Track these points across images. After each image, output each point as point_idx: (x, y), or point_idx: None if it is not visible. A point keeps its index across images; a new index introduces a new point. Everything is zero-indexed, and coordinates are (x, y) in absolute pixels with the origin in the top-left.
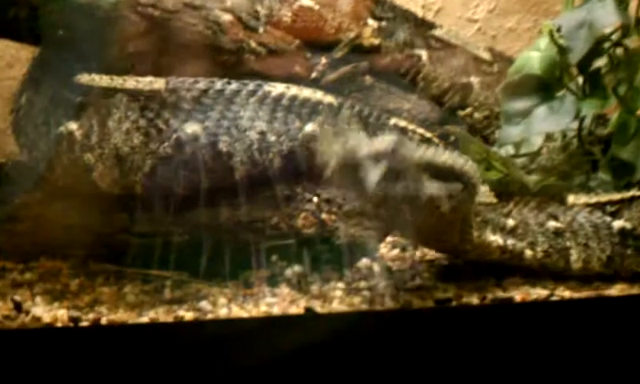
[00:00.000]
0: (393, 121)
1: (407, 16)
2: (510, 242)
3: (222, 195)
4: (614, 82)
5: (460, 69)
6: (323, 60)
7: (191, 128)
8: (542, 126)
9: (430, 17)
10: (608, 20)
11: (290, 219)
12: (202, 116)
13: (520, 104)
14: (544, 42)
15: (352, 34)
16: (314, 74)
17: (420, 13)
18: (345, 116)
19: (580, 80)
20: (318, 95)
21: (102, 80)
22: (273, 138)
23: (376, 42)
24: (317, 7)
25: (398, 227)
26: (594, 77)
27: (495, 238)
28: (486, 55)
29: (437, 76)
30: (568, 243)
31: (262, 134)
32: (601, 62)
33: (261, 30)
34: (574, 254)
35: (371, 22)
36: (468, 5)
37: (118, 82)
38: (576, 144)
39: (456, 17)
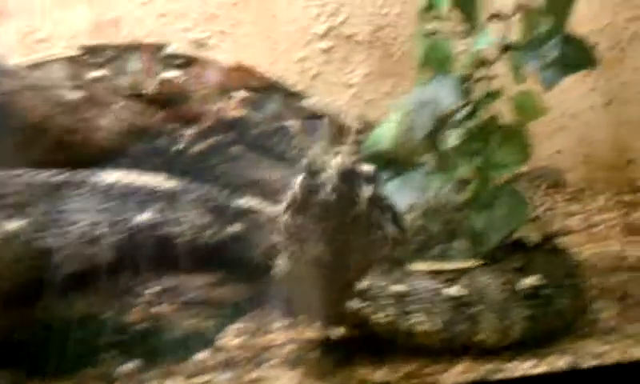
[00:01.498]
0: (242, 201)
1: (277, 87)
2: (362, 305)
3: (52, 291)
4: (469, 154)
5: (330, 139)
6: (189, 132)
7: (12, 225)
8: (395, 199)
9: (306, 82)
10: (449, 100)
11: (124, 312)
12: (25, 211)
13: None
14: (396, 116)
15: (217, 106)
16: (179, 147)
17: (296, 79)
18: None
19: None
20: (156, 181)
21: None
22: (103, 230)
23: (241, 113)
24: (182, 79)
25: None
26: (442, 152)
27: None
28: (355, 125)
29: (306, 146)
30: (410, 307)
31: (92, 226)
32: (455, 135)
33: (115, 106)
34: (416, 319)
35: (238, 94)
36: (344, 69)
37: None
38: (433, 213)
39: (332, 82)
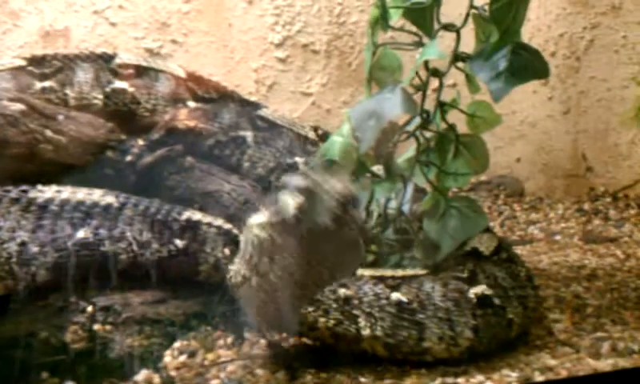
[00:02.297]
0: (185, 215)
1: (232, 96)
2: (309, 309)
3: None
4: (425, 164)
5: (285, 149)
6: (139, 142)
7: None
8: None
9: (263, 91)
10: (394, 112)
11: (61, 332)
12: None
13: None
14: (346, 128)
15: (167, 116)
16: (129, 158)
17: (253, 88)
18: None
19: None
20: (94, 197)
21: None
22: (36, 249)
23: (192, 123)
24: (131, 89)
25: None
26: (387, 163)
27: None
28: (311, 135)
29: (262, 156)
30: (356, 312)
31: (24, 245)
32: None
33: (61, 117)
34: (362, 322)
35: (191, 104)
36: (301, 79)
37: None
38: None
39: (289, 91)
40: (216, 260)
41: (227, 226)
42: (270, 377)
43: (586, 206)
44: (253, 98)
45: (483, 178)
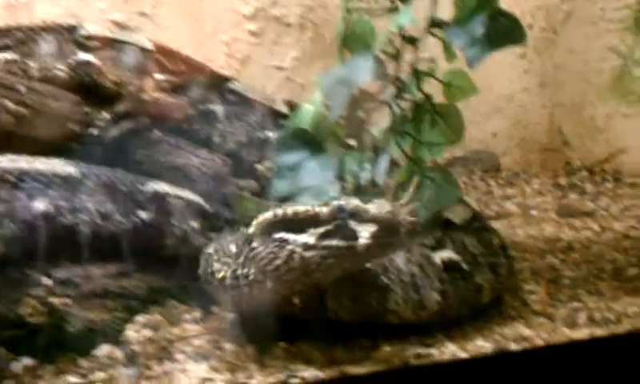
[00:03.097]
0: (150, 187)
1: (202, 70)
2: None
3: None
4: (400, 134)
5: (257, 123)
6: (105, 115)
7: None
8: (310, 180)
9: (235, 65)
10: (364, 78)
11: (17, 306)
12: None
13: (292, 158)
14: (318, 96)
15: (134, 89)
16: (94, 131)
17: (225, 62)
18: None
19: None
20: (53, 167)
21: None
22: None
23: (159, 96)
24: (96, 62)
25: None
26: (359, 132)
27: None
28: (284, 109)
29: (233, 131)
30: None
31: None
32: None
33: (23, 88)
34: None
35: (158, 77)
36: (275, 52)
37: None
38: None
39: (262, 65)
40: (183, 233)
41: (195, 198)
42: (239, 351)
43: (563, 181)
44: (224, 72)
45: (459, 153)
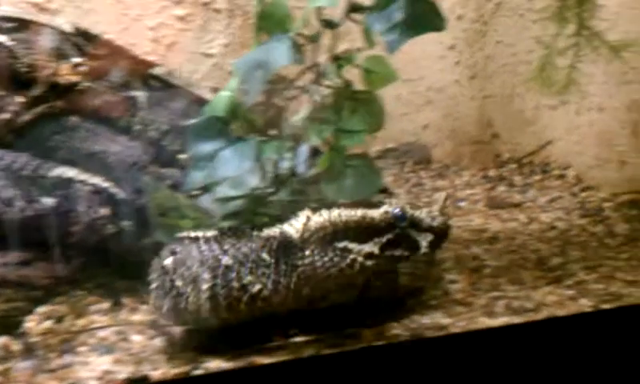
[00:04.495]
0: (56, 172)
1: (124, 54)
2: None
3: None
4: (320, 121)
5: (181, 111)
6: (18, 99)
7: None
8: (226, 170)
9: (161, 51)
10: (281, 61)
11: None
12: None
13: (207, 147)
14: (234, 82)
15: (48, 71)
16: (6, 116)
17: (149, 47)
18: None
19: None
20: None
21: None
22: None
23: (76, 79)
24: (9, 43)
25: None
26: (277, 119)
27: None
28: (210, 96)
29: (154, 118)
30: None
31: None
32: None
33: None
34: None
35: (76, 60)
36: (202, 38)
37: None
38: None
39: (190, 52)
40: (91, 220)
41: (105, 184)
42: (147, 342)
43: (492, 173)
44: (150, 58)
45: (390, 145)
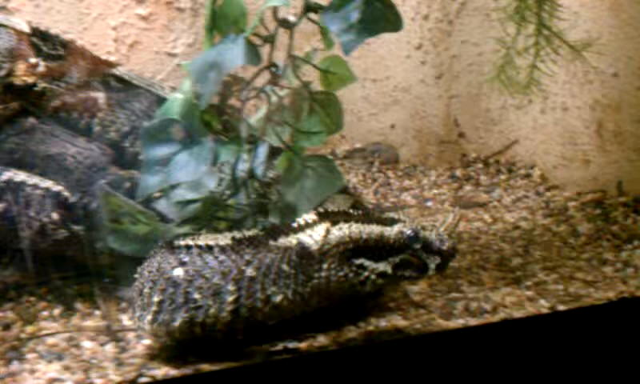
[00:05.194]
0: (4, 176)
1: (83, 54)
2: None
3: None
4: (276, 125)
5: (142, 111)
6: None
7: None
8: (181, 175)
9: (123, 51)
10: (235, 62)
11: None
12: None
13: (161, 151)
14: (187, 83)
15: (2, 72)
16: None
17: (112, 47)
18: None
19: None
20: None
21: None
22: None
23: (32, 80)
24: None
25: None
26: (232, 121)
27: None
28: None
29: (115, 119)
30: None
31: None
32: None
33: None
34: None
35: (32, 60)
36: (166, 38)
37: None
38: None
39: (153, 51)
40: (42, 225)
41: (56, 188)
42: (98, 349)
43: (458, 172)
44: (111, 58)
45: (358, 145)
